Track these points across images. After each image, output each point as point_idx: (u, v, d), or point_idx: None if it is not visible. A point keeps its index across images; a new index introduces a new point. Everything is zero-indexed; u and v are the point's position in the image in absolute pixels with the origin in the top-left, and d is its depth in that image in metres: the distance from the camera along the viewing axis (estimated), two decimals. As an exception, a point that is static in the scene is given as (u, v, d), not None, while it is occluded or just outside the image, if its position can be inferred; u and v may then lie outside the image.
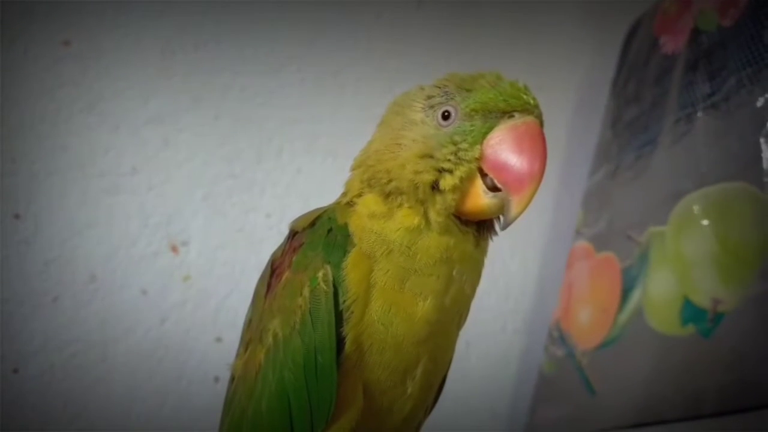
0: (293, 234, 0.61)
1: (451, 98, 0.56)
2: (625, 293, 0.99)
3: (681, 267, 0.91)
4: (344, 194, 0.62)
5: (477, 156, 0.54)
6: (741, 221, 0.84)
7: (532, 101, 0.55)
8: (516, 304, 1.27)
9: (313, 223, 0.59)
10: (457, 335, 0.61)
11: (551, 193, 1.33)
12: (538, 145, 0.53)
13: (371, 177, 0.58)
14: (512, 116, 0.54)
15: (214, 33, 1.14)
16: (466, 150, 0.54)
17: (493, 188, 0.54)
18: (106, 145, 1.05)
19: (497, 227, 0.59)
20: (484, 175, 0.55)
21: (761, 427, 0.74)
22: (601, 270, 1.08)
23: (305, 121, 1.17)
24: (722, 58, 0.95)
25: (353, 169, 0.62)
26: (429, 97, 0.58)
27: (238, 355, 0.63)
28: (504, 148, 0.54)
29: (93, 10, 1.06)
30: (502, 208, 0.54)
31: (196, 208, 1.08)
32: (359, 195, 0.59)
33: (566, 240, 1.28)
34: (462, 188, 0.54)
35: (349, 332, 0.54)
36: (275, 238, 1.08)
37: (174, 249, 1.06)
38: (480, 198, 0.54)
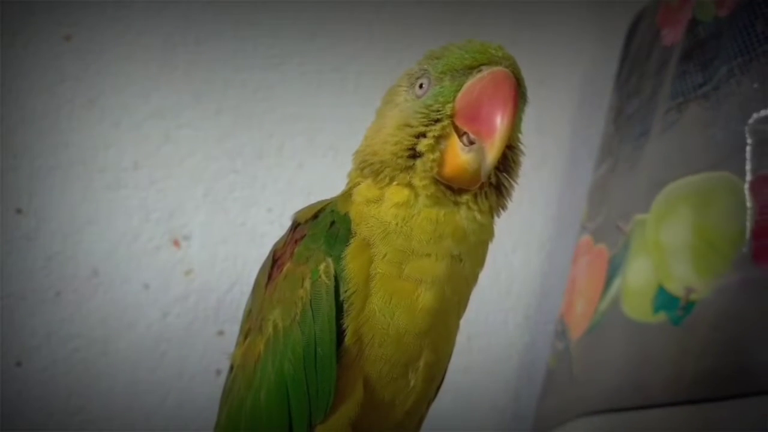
0: (296, 225, 0.61)
1: (425, 71, 0.57)
2: (608, 282, 0.99)
3: (658, 255, 0.90)
4: (346, 186, 0.62)
5: (449, 113, 0.54)
6: (719, 210, 0.83)
7: (501, 53, 0.55)
8: (518, 299, 1.26)
9: (315, 215, 0.59)
10: (457, 325, 0.61)
11: (554, 188, 1.32)
12: (504, 89, 0.53)
13: (362, 161, 0.59)
14: (480, 71, 0.54)
15: (216, 28, 1.13)
16: (438, 110, 0.54)
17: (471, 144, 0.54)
18: (107, 140, 1.05)
19: (501, 201, 0.58)
20: (462, 135, 0.54)
21: (733, 417, 0.72)
22: (595, 262, 1.08)
23: (306, 116, 1.17)
24: (715, 48, 0.93)
25: (352, 160, 0.63)
26: (408, 77, 0.59)
27: (237, 344, 0.63)
28: (472, 98, 0.54)
29: (94, 4, 1.06)
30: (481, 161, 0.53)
31: (197, 202, 1.08)
32: (357, 185, 0.59)
33: (569, 235, 1.28)
34: (438, 148, 0.54)
35: (349, 324, 0.54)
36: (277, 232, 1.07)
37: (176, 243, 1.06)
38: (458, 157, 0.54)
